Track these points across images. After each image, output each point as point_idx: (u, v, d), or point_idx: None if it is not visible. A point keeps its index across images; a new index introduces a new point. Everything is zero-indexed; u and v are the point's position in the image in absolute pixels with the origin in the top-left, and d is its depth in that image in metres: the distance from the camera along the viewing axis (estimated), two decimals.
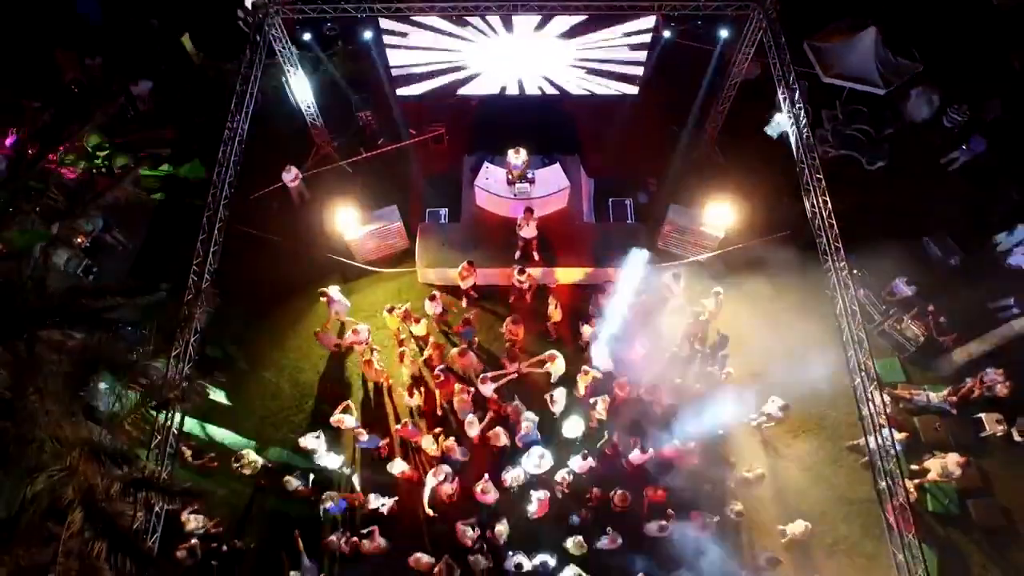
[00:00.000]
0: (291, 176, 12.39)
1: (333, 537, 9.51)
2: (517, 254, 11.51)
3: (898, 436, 10.45)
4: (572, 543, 9.42)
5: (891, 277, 11.86)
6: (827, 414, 11.08)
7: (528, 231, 11.06)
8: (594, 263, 11.71)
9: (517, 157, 11.56)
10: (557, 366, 10.31)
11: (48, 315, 7.03)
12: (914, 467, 10.70)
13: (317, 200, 12.79)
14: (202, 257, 8.28)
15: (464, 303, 11.63)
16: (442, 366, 10.34)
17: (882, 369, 11.58)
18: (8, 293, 6.94)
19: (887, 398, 10.75)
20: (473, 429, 9.97)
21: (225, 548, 9.73)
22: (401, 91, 13.00)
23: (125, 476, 7.19)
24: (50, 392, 6.79)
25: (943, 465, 10.37)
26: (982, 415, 11.06)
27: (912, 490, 10.34)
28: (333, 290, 10.84)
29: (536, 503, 9.47)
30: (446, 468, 9.58)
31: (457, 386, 10.37)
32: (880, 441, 8.38)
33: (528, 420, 9.92)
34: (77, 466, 6.78)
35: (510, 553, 9.25)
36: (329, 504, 9.64)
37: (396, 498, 9.84)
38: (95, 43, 14.52)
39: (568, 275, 11.88)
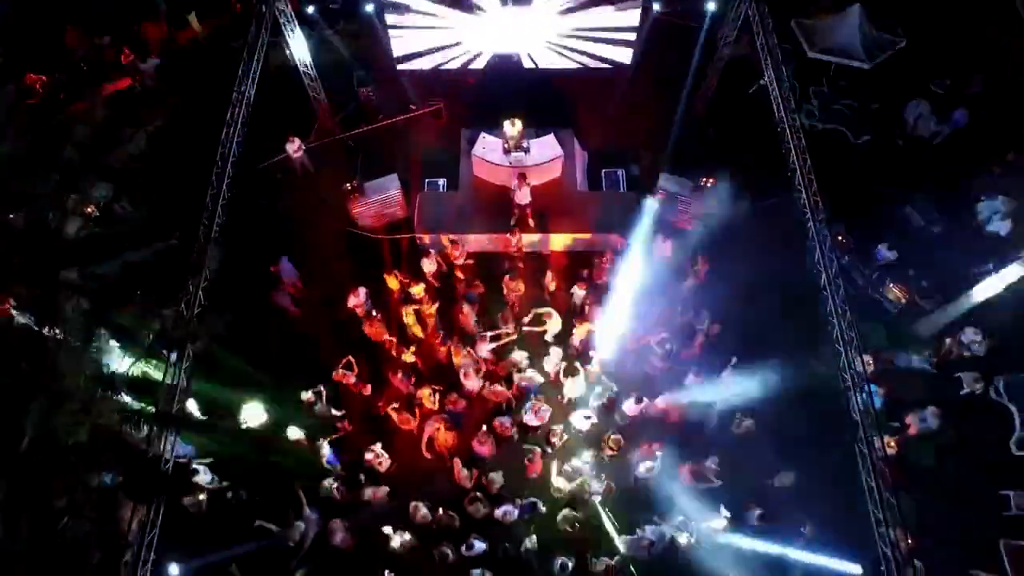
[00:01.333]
0: (294, 147, 12.81)
1: (325, 483, 9.90)
2: (513, 220, 11.92)
3: (878, 390, 10.92)
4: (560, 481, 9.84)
5: (875, 244, 12.29)
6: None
7: (522, 196, 11.48)
8: (587, 229, 12.16)
9: (513, 128, 12.02)
10: (554, 324, 10.72)
11: (68, 257, 7.48)
12: (895, 424, 11.14)
13: (319, 171, 13.27)
14: (211, 210, 8.70)
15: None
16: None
17: (867, 332, 12.07)
18: (33, 237, 7.38)
19: (870, 359, 11.22)
20: (471, 381, 10.37)
21: (230, 495, 10.15)
22: (402, 66, 13.45)
23: (141, 411, 7.66)
24: (71, 329, 7.22)
25: (922, 418, 10.81)
26: (961, 374, 11.49)
27: (892, 445, 10.79)
28: (283, 261, 11.34)
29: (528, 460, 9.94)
30: (444, 418, 10.03)
31: (455, 347, 10.80)
32: (861, 401, 8.64)
33: (527, 373, 10.36)
34: (96, 397, 7.23)
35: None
36: (326, 452, 10.07)
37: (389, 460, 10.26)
38: (103, 22, 14.96)
39: (562, 241, 12.30)
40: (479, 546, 9.29)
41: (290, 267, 11.59)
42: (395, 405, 10.22)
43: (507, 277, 10.83)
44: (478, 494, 9.85)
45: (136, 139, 9.15)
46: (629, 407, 10.36)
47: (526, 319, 10.85)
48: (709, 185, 11.95)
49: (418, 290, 10.96)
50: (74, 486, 7.08)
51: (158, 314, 7.68)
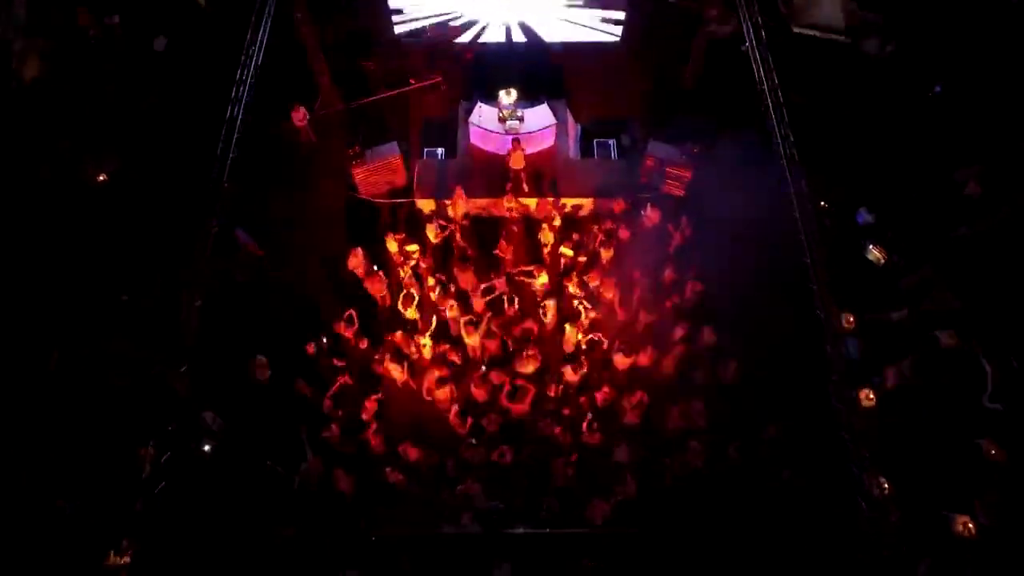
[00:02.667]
0: (299, 115, 13.35)
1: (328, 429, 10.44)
2: (508, 185, 12.43)
3: (857, 345, 11.43)
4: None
5: (855, 207, 12.80)
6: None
7: (516, 161, 12.03)
8: (579, 194, 12.70)
9: (508, 97, 12.56)
10: (542, 279, 11.24)
11: None
12: (875, 379, 11.64)
13: (323, 141, 13.88)
14: (223, 147, 9.26)
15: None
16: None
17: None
18: None
19: (851, 316, 11.75)
20: (471, 338, 10.87)
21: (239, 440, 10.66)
22: (403, 37, 14.03)
23: None
24: None
25: (899, 371, 11.33)
26: (938, 331, 11.97)
27: (870, 398, 11.29)
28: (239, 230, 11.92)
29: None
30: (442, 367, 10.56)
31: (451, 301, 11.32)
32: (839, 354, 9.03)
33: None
34: None
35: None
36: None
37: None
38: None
39: (550, 214, 12.80)
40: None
41: (245, 235, 12.10)
42: (391, 354, 10.72)
43: (502, 237, 11.34)
44: (473, 440, 10.38)
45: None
46: (619, 359, 10.89)
47: (517, 270, 11.40)
48: (696, 152, 12.49)
49: (414, 248, 11.48)
50: None
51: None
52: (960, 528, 10.34)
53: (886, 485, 10.60)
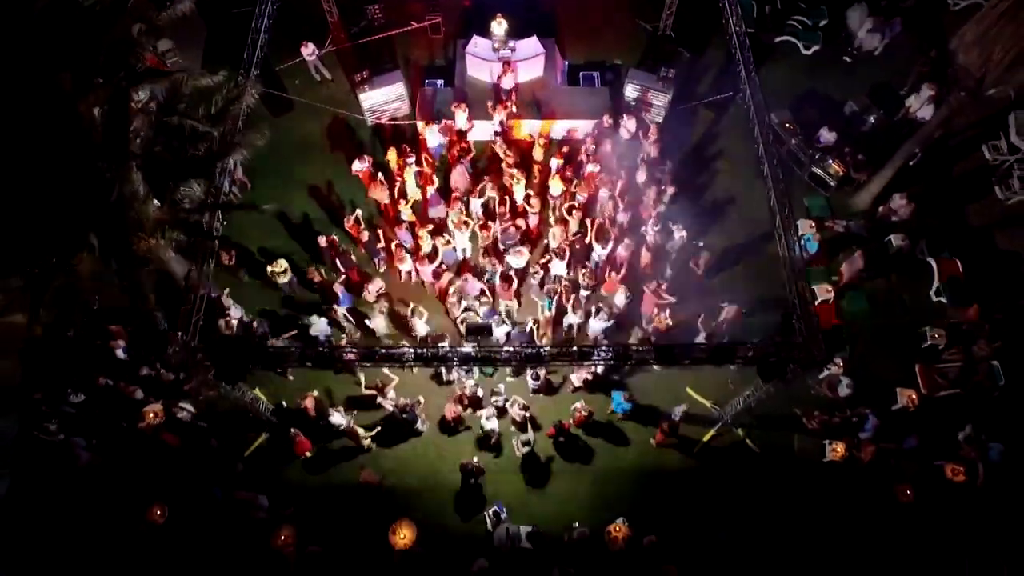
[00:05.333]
0: (309, 51, 14.63)
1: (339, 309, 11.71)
2: (498, 107, 13.59)
3: (814, 237, 12.66)
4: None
5: (817, 128, 14.04)
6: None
7: (507, 81, 13.36)
8: (566, 116, 14.00)
9: (500, 27, 13.79)
10: (520, 188, 12.53)
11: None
12: (834, 278, 12.89)
13: (332, 76, 15.22)
14: (247, 64, 10.50)
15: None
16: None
17: (811, 204, 13.87)
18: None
19: (811, 223, 13.01)
20: (463, 234, 12.18)
21: (256, 326, 11.89)
22: None
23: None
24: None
25: (851, 261, 12.57)
26: (891, 236, 13.19)
27: (829, 290, 12.51)
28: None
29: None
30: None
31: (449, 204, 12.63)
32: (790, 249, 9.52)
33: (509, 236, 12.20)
34: None
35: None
36: (339, 290, 11.84)
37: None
38: None
39: (544, 127, 14.08)
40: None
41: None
42: (396, 242, 12.03)
43: (495, 145, 12.66)
44: (469, 313, 11.61)
45: None
46: (598, 252, 12.15)
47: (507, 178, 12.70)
48: (671, 75, 13.78)
49: (412, 159, 12.76)
50: None
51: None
52: (905, 400, 11.56)
53: (840, 364, 11.89)
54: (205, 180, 9.49)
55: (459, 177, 12.60)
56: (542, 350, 8.54)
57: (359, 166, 12.75)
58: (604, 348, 8.96)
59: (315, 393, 11.47)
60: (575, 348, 9.38)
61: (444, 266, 12.30)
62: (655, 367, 11.38)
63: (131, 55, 9.03)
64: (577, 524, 10.71)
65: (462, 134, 13.22)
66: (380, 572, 10.35)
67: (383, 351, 9.04)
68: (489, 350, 8.60)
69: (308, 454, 11.33)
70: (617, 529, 10.13)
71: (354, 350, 8.78)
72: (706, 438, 11.76)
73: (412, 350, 8.56)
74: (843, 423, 11.45)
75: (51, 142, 8.94)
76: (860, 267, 12.39)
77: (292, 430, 10.95)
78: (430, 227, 12.32)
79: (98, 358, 11.70)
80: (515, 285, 11.89)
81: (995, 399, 11.78)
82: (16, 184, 8.91)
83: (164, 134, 9.61)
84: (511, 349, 8.59)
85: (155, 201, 9.37)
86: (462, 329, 11.44)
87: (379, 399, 11.05)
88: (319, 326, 11.55)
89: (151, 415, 10.87)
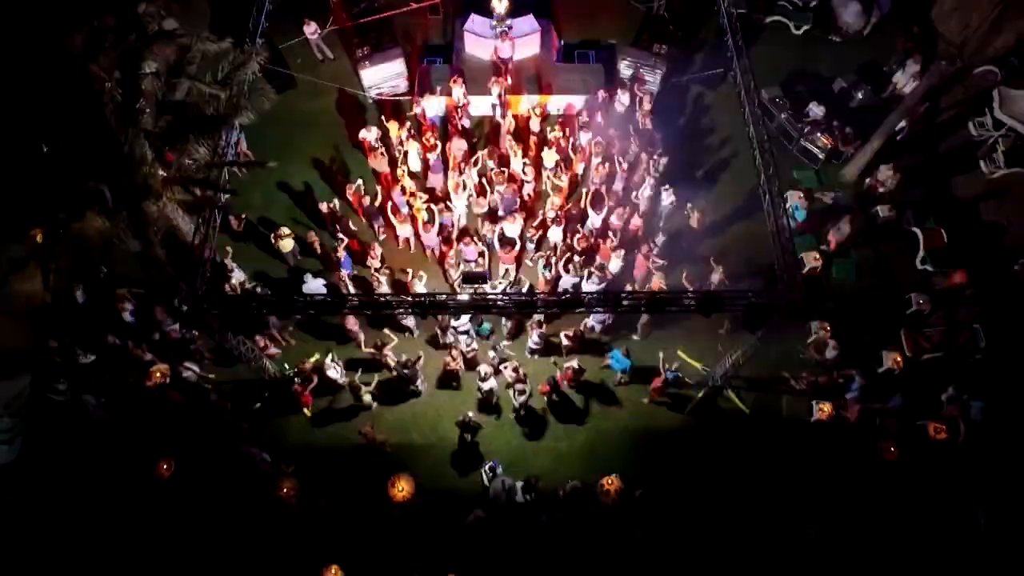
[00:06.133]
0: (311, 29, 15.01)
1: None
2: (498, 79, 13.98)
3: (801, 206, 13.00)
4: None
5: (807, 104, 14.41)
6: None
7: (504, 50, 13.78)
8: (561, 91, 14.38)
9: (500, 5, 14.18)
10: (518, 160, 12.90)
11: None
12: (823, 247, 13.22)
13: (333, 55, 15.62)
14: (252, 32, 10.87)
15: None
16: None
17: (801, 176, 14.23)
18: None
19: (800, 194, 13.33)
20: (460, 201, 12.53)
21: (259, 290, 12.26)
22: None
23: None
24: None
25: (837, 228, 12.92)
26: (878, 207, 13.55)
27: (817, 258, 12.85)
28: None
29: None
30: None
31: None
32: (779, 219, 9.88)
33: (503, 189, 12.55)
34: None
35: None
36: (342, 255, 12.19)
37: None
38: None
39: (541, 100, 14.46)
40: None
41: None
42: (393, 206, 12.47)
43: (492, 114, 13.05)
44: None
45: None
46: (593, 219, 12.53)
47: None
48: (663, 52, 14.16)
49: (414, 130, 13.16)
50: None
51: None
52: (891, 363, 11.89)
53: (828, 328, 12.22)
54: (211, 142, 9.90)
55: (456, 146, 12.97)
56: (535, 298, 8.86)
57: (365, 135, 13.16)
58: (595, 295, 9.29)
59: (316, 357, 11.86)
60: (567, 295, 9.70)
61: (449, 230, 12.67)
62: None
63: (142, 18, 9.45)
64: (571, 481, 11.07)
65: (459, 108, 13.57)
66: (381, 523, 10.69)
67: (383, 299, 9.37)
68: (484, 296, 8.93)
69: (307, 410, 11.69)
70: (610, 482, 10.47)
71: (355, 297, 9.11)
72: (698, 396, 12.10)
73: (410, 298, 8.89)
74: (830, 384, 11.79)
75: (62, 102, 9.34)
76: (848, 232, 12.73)
77: (295, 386, 11.30)
78: (425, 197, 12.70)
79: (107, 320, 12.05)
80: (515, 250, 12.26)
81: (977, 361, 12.13)
82: (27, 141, 9.31)
83: (173, 99, 10.05)
84: (506, 295, 8.91)
85: (162, 166, 9.78)
86: (458, 286, 11.80)
87: (379, 356, 11.39)
88: (312, 285, 11.90)
89: (157, 374, 11.23)
